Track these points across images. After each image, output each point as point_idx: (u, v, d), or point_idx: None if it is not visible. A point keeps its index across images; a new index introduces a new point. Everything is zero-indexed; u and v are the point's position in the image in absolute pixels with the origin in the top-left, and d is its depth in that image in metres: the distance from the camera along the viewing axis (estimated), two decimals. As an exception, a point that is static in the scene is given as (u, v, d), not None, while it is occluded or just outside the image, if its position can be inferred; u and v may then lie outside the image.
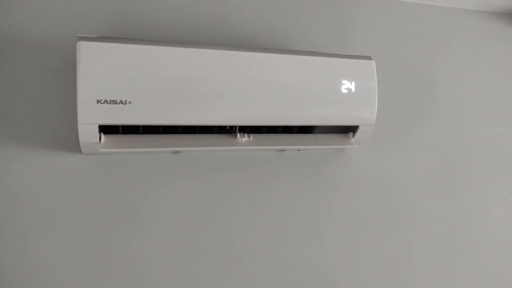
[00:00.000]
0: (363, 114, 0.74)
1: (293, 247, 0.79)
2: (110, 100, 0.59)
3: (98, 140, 0.62)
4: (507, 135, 0.97)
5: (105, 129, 0.64)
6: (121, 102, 0.59)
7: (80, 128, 0.59)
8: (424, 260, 0.88)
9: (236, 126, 0.70)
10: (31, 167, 0.66)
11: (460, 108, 0.95)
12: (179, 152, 0.74)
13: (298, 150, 0.81)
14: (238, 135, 0.70)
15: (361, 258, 0.83)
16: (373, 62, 0.74)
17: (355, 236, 0.83)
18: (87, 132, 0.60)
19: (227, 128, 0.71)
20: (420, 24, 0.94)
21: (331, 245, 0.81)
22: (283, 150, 0.80)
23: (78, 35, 0.59)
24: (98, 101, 0.58)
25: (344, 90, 0.72)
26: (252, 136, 0.72)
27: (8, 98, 0.66)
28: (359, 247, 0.83)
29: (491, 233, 0.93)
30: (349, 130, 0.78)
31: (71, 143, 0.67)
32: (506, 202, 0.95)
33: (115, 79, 0.59)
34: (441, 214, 0.90)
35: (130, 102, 0.60)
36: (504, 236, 0.94)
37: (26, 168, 0.65)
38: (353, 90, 0.72)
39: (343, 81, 0.71)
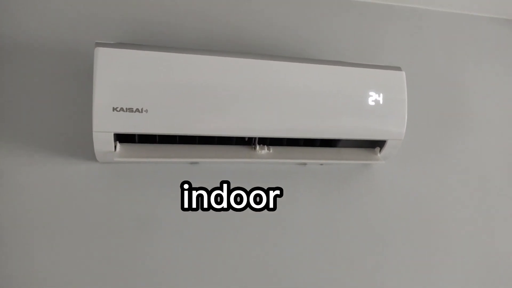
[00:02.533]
0: (391, 128, 0.70)
1: (311, 264, 0.74)
2: (126, 108, 0.57)
3: (113, 149, 0.61)
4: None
5: (121, 138, 0.62)
6: (137, 110, 0.57)
7: (95, 136, 0.58)
8: (452, 284, 0.81)
9: (255, 138, 0.67)
10: (46, 174, 0.65)
11: (493, 122, 0.88)
12: (197, 163, 0.71)
13: (321, 164, 0.77)
14: (258, 147, 0.67)
15: (382, 279, 0.78)
16: (403, 73, 0.70)
17: (378, 256, 0.78)
18: (102, 140, 0.59)
19: (246, 139, 0.68)
20: (451, 33, 0.89)
21: (351, 264, 0.76)
22: (304, 164, 0.77)
23: (96, 41, 0.58)
24: (114, 109, 0.57)
25: (371, 102, 0.67)
26: (272, 149, 0.69)
27: (25, 104, 0.65)
28: (381, 268, 0.78)
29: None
30: (376, 144, 0.74)
31: (87, 151, 0.65)
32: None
33: (131, 86, 0.57)
34: (471, 236, 0.84)
35: (146, 111, 0.58)
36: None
37: (41, 176, 0.64)
38: (381, 102, 0.68)
39: (371, 93, 0.67)
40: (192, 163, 0.71)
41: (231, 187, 0.71)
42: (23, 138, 0.64)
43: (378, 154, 0.74)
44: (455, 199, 0.84)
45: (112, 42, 0.58)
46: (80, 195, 0.65)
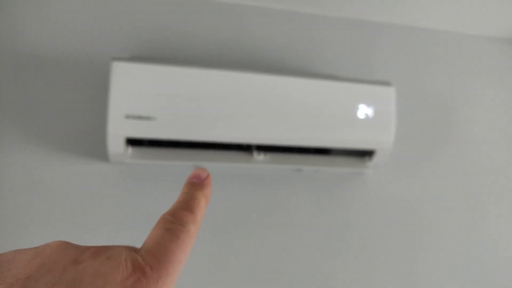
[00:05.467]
0: (380, 139, 0.75)
1: (307, 266, 0.80)
2: (137, 116, 0.64)
3: (125, 151, 0.68)
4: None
5: (132, 142, 0.69)
6: (147, 117, 0.64)
7: (109, 139, 0.65)
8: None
9: (253, 145, 0.73)
10: (65, 172, 0.72)
11: (481, 134, 0.93)
12: (200, 165, 0.78)
13: (316, 172, 0.83)
14: (255, 153, 0.74)
15: (374, 283, 0.83)
16: (393, 88, 0.75)
17: (370, 259, 0.83)
18: (116, 143, 0.66)
19: (245, 146, 0.74)
20: (442, 50, 0.94)
21: (345, 266, 0.82)
22: (301, 171, 0.83)
23: (113, 56, 0.65)
24: (126, 116, 0.64)
25: (361, 115, 0.73)
26: (268, 155, 0.75)
27: (45, 111, 0.73)
28: (372, 271, 0.83)
29: (513, 268, 0.90)
30: (366, 153, 0.79)
31: (101, 153, 0.73)
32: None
33: (142, 96, 0.64)
34: (460, 243, 0.88)
35: (155, 118, 0.65)
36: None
37: (61, 173, 0.72)
38: (371, 115, 0.74)
39: (361, 106, 0.73)
40: (195, 165, 0.78)
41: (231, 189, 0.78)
42: (45, 141, 0.72)
43: (369, 163, 0.79)
44: (442, 205, 0.89)
45: (126, 57, 0.66)
46: (94, 191, 0.73)
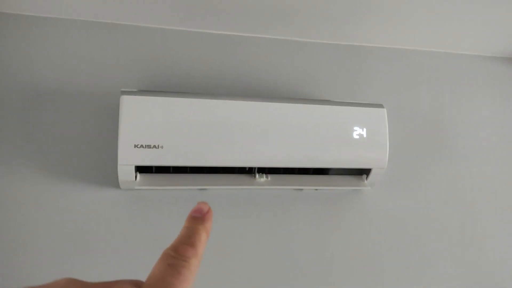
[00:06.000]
0: (375, 158, 0.79)
1: (306, 285, 0.83)
2: (145, 145, 0.69)
3: (134, 179, 0.72)
4: (528, 178, 0.98)
5: (141, 169, 0.74)
6: (154, 146, 0.69)
7: (120, 168, 0.69)
8: (442, 302, 0.88)
9: (255, 168, 0.78)
10: (78, 198, 0.76)
11: (471, 150, 0.97)
12: (205, 189, 0.82)
13: (316, 190, 0.87)
14: (257, 175, 0.78)
15: (376, 297, 0.85)
16: (384, 110, 0.80)
17: (369, 274, 0.86)
18: (125, 171, 0.70)
19: (247, 169, 0.78)
20: (434, 71, 1.00)
21: (344, 286, 0.85)
22: (301, 190, 0.86)
23: (122, 90, 0.70)
24: (135, 146, 0.68)
25: (355, 136, 0.77)
26: (270, 176, 0.79)
27: (57, 141, 0.78)
28: (372, 286, 0.86)
29: (510, 278, 0.92)
30: (363, 172, 0.83)
31: (112, 180, 0.77)
32: (528, 246, 0.94)
33: (150, 127, 0.69)
34: (453, 256, 0.91)
35: (162, 147, 0.69)
36: (528, 281, 0.93)
37: (74, 199, 0.76)
38: (365, 136, 0.78)
39: (355, 128, 0.78)
40: (201, 189, 0.82)
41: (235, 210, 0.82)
42: (59, 170, 0.76)
43: (365, 181, 0.83)
44: (436, 221, 0.92)
45: (134, 90, 0.71)
46: (105, 216, 0.77)
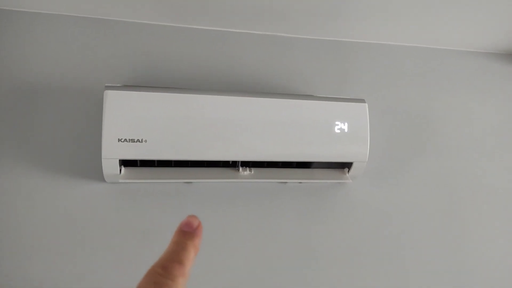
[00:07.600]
0: (356, 152, 0.81)
1: (292, 276, 0.85)
2: (129, 139, 0.70)
3: (119, 172, 0.73)
4: (504, 171, 1.00)
5: (125, 163, 0.75)
6: (138, 140, 0.70)
7: (104, 162, 0.70)
8: (422, 292, 0.91)
9: (238, 161, 0.79)
10: (63, 192, 0.77)
11: (455, 145, 0.99)
12: (190, 182, 0.83)
13: (300, 183, 0.89)
14: (241, 169, 0.79)
15: None
16: (366, 105, 0.81)
17: (352, 267, 0.88)
18: (110, 165, 0.71)
19: (230, 163, 0.79)
20: (413, 65, 1.01)
21: (328, 275, 0.87)
22: (285, 183, 0.88)
23: (106, 85, 0.71)
24: (119, 140, 0.69)
25: (337, 130, 0.79)
26: (253, 170, 0.80)
27: (42, 135, 0.78)
28: (355, 279, 0.88)
29: (490, 269, 0.95)
30: (345, 166, 0.85)
31: (97, 174, 0.78)
32: (505, 238, 0.97)
33: (133, 121, 0.70)
34: (434, 248, 0.93)
35: (146, 141, 0.70)
36: (504, 272, 0.95)
37: (60, 193, 0.77)
38: (346, 130, 0.79)
39: (337, 122, 0.79)
40: (186, 182, 0.83)
41: (220, 203, 0.83)
42: (44, 164, 0.77)
43: (347, 174, 0.85)
44: (417, 213, 0.94)
45: (118, 85, 0.71)
46: (90, 209, 0.78)
